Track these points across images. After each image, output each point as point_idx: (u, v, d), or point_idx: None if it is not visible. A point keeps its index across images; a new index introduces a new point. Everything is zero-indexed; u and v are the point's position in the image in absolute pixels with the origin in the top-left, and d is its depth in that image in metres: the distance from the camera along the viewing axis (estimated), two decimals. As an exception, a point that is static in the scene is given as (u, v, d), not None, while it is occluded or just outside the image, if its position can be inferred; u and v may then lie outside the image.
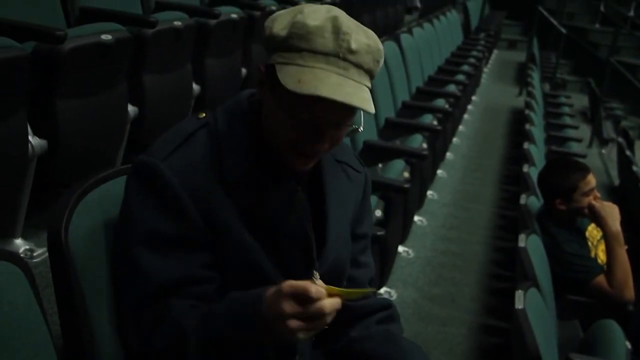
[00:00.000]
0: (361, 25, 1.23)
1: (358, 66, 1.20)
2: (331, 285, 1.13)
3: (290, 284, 1.09)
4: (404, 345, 1.42)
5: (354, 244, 1.43)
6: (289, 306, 1.08)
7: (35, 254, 2.28)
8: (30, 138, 2.26)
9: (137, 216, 1.22)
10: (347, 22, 1.20)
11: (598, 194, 2.80)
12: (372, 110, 1.18)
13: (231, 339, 1.15)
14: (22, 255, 2.22)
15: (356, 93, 1.17)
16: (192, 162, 1.23)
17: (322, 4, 1.28)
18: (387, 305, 1.50)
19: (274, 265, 1.27)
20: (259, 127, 1.28)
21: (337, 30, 1.18)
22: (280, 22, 1.21)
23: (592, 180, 2.78)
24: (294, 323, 1.08)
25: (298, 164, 1.26)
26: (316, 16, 1.19)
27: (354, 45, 1.18)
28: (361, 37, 1.20)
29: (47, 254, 1.22)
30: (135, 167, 1.26)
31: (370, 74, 1.22)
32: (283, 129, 1.22)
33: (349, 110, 1.21)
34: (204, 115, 1.31)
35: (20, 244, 2.31)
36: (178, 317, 1.18)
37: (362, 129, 1.30)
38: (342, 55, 1.18)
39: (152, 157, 1.23)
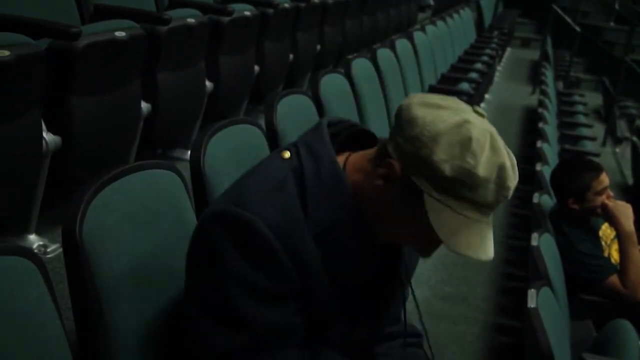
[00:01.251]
0: (509, 157, 1.15)
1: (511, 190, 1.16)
2: None
3: None
4: None
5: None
6: None
7: (49, 250, 2.29)
8: (44, 134, 2.27)
9: (232, 272, 1.14)
10: (510, 169, 1.14)
11: (611, 193, 2.79)
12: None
13: None
14: (36, 250, 2.24)
15: (491, 246, 1.16)
16: (287, 216, 1.16)
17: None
18: (417, 333, 1.49)
19: (344, 321, 1.27)
20: (352, 187, 1.20)
21: (502, 183, 1.12)
22: (444, 152, 1.10)
23: (605, 179, 2.77)
24: None
25: (394, 242, 1.27)
26: (485, 160, 1.10)
27: (509, 195, 1.15)
28: (513, 184, 1.15)
29: (60, 250, 1.23)
30: (225, 217, 1.16)
31: None
32: (401, 231, 1.21)
33: None
34: (289, 155, 1.22)
35: (34, 240, 2.33)
36: None
37: None
38: (495, 207, 1.15)
39: (245, 211, 1.14)
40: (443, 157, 1.09)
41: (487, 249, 1.14)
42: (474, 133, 1.10)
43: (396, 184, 1.15)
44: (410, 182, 1.13)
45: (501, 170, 1.11)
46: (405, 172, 1.14)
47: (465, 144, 1.10)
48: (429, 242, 1.20)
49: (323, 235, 1.18)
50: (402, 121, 1.15)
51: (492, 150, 1.12)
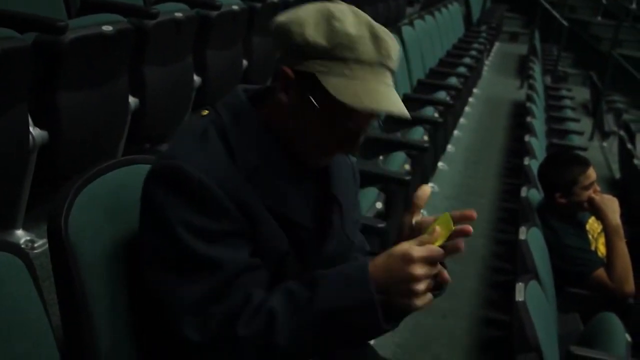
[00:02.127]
0: (378, 24, 1.22)
1: (392, 71, 1.23)
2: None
3: (425, 248, 1.15)
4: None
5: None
6: (420, 269, 1.14)
7: (36, 245, 2.28)
8: (31, 129, 2.26)
9: (176, 219, 1.17)
10: (377, 25, 1.21)
11: (598, 188, 2.80)
12: (408, 115, 1.21)
13: (341, 314, 1.13)
14: (22, 246, 2.22)
15: (399, 101, 1.21)
16: (214, 159, 1.21)
17: None
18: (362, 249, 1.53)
19: (293, 252, 1.28)
20: (264, 119, 1.28)
21: (375, 37, 1.19)
22: (313, 28, 1.19)
23: (592, 174, 2.78)
24: (423, 285, 1.16)
25: (321, 162, 1.30)
26: (351, 22, 1.19)
27: (392, 52, 1.21)
28: (390, 40, 1.21)
29: (47, 245, 1.22)
30: (157, 172, 1.21)
31: (393, 74, 1.25)
32: (316, 134, 1.23)
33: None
34: (207, 112, 1.30)
35: (21, 235, 2.32)
36: (262, 301, 1.16)
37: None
38: (384, 63, 1.20)
39: (174, 160, 1.20)
40: (313, 33, 1.18)
41: (393, 103, 1.19)
42: (334, 7, 1.21)
43: (294, 87, 1.22)
44: (303, 75, 1.20)
45: (370, 26, 1.19)
46: (295, 69, 1.21)
47: (329, 16, 1.19)
48: (346, 132, 1.23)
49: (254, 175, 1.23)
50: (275, 35, 1.25)
51: (355, 14, 1.21)
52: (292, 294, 1.17)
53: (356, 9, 1.23)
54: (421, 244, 1.16)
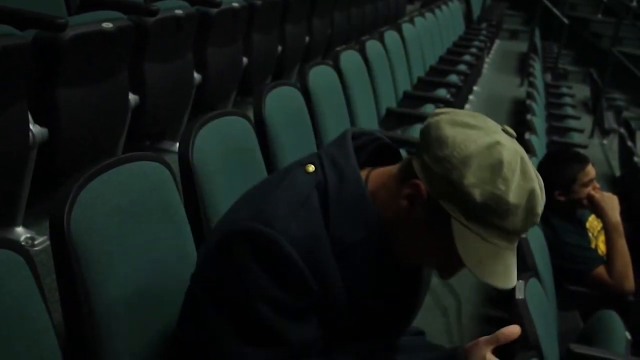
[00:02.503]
0: (541, 188, 1.14)
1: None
2: None
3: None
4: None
5: None
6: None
7: (36, 243, 2.28)
8: (31, 126, 2.26)
9: (255, 287, 1.14)
10: (540, 194, 1.12)
11: (597, 185, 2.80)
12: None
13: None
14: (23, 243, 2.22)
15: (514, 274, 1.15)
16: (311, 233, 1.14)
17: None
18: (420, 332, 1.58)
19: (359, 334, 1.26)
20: (372, 196, 1.19)
21: (531, 209, 1.10)
22: (474, 176, 1.07)
23: (591, 171, 2.78)
24: None
25: (415, 264, 1.27)
26: (516, 187, 1.08)
27: (536, 222, 1.13)
28: (542, 206, 1.14)
29: (48, 242, 1.22)
30: (248, 233, 1.14)
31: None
32: (423, 254, 1.20)
33: None
34: (313, 168, 1.20)
35: (21, 232, 2.32)
36: None
37: None
38: (523, 234, 1.13)
39: (270, 228, 1.13)
40: (473, 181, 1.07)
41: (510, 278, 1.13)
42: (505, 156, 1.08)
43: (422, 206, 1.13)
44: (437, 206, 1.10)
45: (531, 195, 1.09)
46: (432, 195, 1.11)
47: (497, 168, 1.07)
48: (452, 266, 1.18)
49: (343, 253, 1.17)
50: (430, 139, 1.12)
51: (523, 174, 1.09)
52: None
53: (527, 162, 1.12)
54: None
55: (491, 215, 1.08)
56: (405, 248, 1.20)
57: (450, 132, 1.10)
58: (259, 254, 1.13)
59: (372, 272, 1.21)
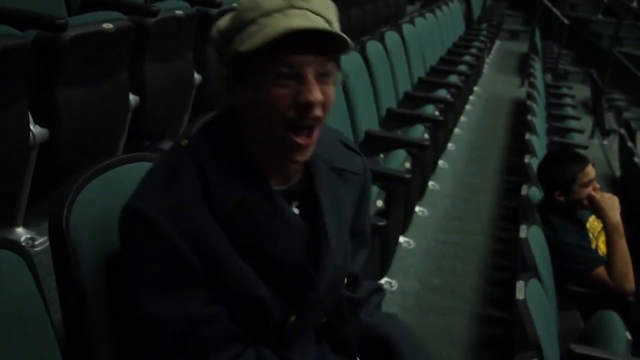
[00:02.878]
0: None
1: (315, 13, 1.17)
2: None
3: None
4: (411, 331, 1.50)
5: (352, 239, 1.41)
6: None
7: (36, 243, 2.28)
8: (31, 127, 2.26)
9: (136, 267, 1.19)
10: None
11: (597, 185, 2.80)
12: (346, 37, 1.16)
13: None
14: (23, 244, 2.22)
15: (324, 24, 1.17)
16: (181, 200, 1.17)
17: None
18: (378, 288, 1.53)
19: (273, 292, 1.24)
20: (241, 142, 1.24)
21: None
22: (224, 19, 1.22)
23: (591, 171, 2.78)
24: None
25: (296, 153, 1.21)
26: None
27: None
28: None
29: (48, 243, 1.22)
30: (124, 213, 1.20)
31: (331, 24, 1.19)
32: (269, 108, 1.17)
33: (326, 53, 1.18)
34: (187, 142, 1.26)
35: (21, 233, 2.32)
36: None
37: (348, 74, 1.30)
38: (297, 5, 1.16)
39: (138, 202, 1.18)
40: (225, 20, 1.22)
41: (314, 23, 1.15)
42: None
43: (232, 80, 1.21)
44: (232, 65, 1.20)
45: None
46: (227, 65, 1.21)
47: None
48: (287, 91, 1.17)
49: (234, 214, 1.19)
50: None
51: None
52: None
53: None
54: None
55: (247, 15, 1.17)
56: (265, 133, 1.20)
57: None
58: (130, 227, 1.19)
59: (270, 221, 1.22)
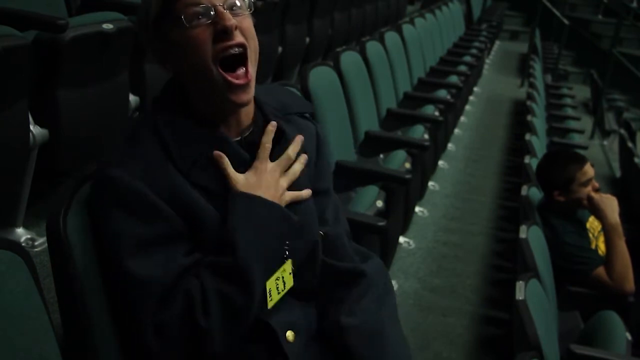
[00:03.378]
0: None
1: None
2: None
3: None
4: (390, 351, 1.40)
5: (314, 200, 1.42)
6: (277, 172, 1.31)
7: (36, 243, 2.28)
8: (31, 127, 2.26)
9: (117, 232, 1.21)
10: None
11: (597, 184, 2.81)
12: None
13: (259, 234, 1.24)
14: (23, 244, 2.23)
15: None
16: (145, 160, 1.24)
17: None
18: (360, 272, 1.44)
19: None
20: (190, 105, 1.32)
21: None
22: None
23: (589, 170, 2.78)
24: (284, 183, 1.31)
25: (237, 95, 1.28)
26: None
27: None
28: None
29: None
30: (94, 185, 1.25)
31: None
32: (195, 50, 1.25)
33: None
34: (142, 115, 1.34)
35: (21, 233, 2.32)
36: (202, 288, 1.21)
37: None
38: None
39: (107, 169, 1.22)
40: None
41: None
42: None
43: (161, 53, 1.32)
44: (153, 37, 1.30)
45: None
46: (151, 43, 1.31)
47: None
48: (207, 29, 1.25)
49: (195, 168, 1.26)
50: None
51: None
52: (219, 266, 1.22)
53: None
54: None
55: None
56: (203, 84, 1.28)
57: None
58: (106, 194, 1.22)
59: (217, 169, 1.29)
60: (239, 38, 1.27)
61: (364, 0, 6.28)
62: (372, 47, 3.71)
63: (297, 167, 1.37)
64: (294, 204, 1.35)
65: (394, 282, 3.03)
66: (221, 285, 1.20)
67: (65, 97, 2.33)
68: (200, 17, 1.24)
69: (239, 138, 1.34)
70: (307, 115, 1.51)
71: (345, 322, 1.36)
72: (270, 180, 1.31)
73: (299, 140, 1.38)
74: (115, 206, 1.21)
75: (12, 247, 1.13)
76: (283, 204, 1.32)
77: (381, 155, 3.15)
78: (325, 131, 2.57)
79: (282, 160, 1.34)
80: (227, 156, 1.29)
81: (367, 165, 2.84)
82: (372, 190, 2.60)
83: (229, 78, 1.27)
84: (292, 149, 1.36)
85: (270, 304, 1.27)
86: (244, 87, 1.29)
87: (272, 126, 1.34)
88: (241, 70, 1.29)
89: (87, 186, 1.28)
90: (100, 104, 2.55)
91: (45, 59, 2.24)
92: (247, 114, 1.36)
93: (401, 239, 3.40)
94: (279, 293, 1.30)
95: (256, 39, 1.33)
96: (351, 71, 3.13)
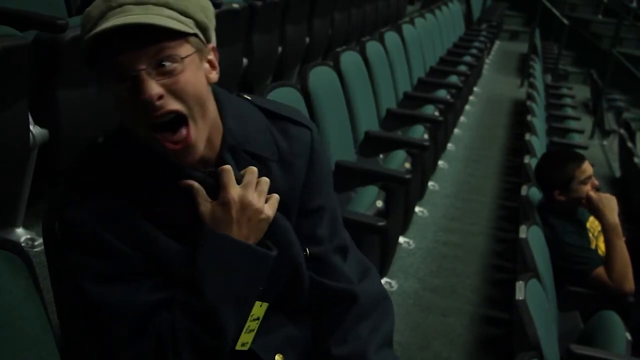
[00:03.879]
0: None
1: (139, 4, 1.10)
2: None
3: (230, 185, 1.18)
4: None
5: (305, 219, 1.34)
6: (236, 197, 1.17)
7: (36, 243, 2.28)
8: (31, 127, 2.26)
9: (77, 264, 1.17)
10: None
11: (596, 181, 2.81)
12: (166, 23, 1.09)
13: (230, 272, 1.17)
14: (23, 244, 2.22)
15: (145, 13, 1.09)
16: (101, 199, 1.17)
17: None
18: (352, 296, 1.38)
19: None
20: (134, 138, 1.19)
21: None
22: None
23: (588, 168, 2.79)
24: (253, 193, 1.18)
25: (175, 154, 1.15)
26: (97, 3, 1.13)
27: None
28: None
29: (46, 244, 1.22)
30: (54, 224, 1.21)
31: (169, 6, 1.12)
32: (126, 113, 1.15)
33: (158, 43, 1.10)
34: (101, 139, 1.26)
35: (21, 234, 2.32)
36: (172, 326, 1.17)
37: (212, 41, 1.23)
38: (114, 5, 1.10)
39: (63, 208, 1.18)
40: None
41: (124, 20, 1.08)
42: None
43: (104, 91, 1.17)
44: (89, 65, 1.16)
45: None
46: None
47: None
48: (127, 91, 1.11)
49: (142, 196, 1.18)
50: None
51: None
52: (185, 303, 1.18)
53: None
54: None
55: (84, 28, 1.13)
56: (137, 134, 1.17)
57: None
58: (69, 237, 1.18)
59: (179, 202, 1.20)
60: (170, 105, 1.11)
61: (364, 0, 6.28)
62: (372, 47, 3.71)
63: (265, 179, 1.23)
64: (272, 226, 1.25)
65: (394, 282, 3.04)
66: (191, 325, 1.17)
67: (65, 97, 2.33)
68: (122, 80, 1.10)
69: (201, 173, 1.22)
70: (302, 121, 1.36)
71: (336, 352, 1.34)
72: (243, 209, 1.18)
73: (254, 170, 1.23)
74: (73, 246, 1.17)
75: (11, 247, 1.13)
76: (265, 226, 1.22)
77: (381, 155, 3.15)
78: (325, 132, 2.58)
79: (248, 176, 1.21)
80: (183, 191, 1.20)
81: (367, 165, 2.84)
82: (372, 190, 2.60)
83: (165, 143, 1.13)
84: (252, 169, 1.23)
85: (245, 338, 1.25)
86: (185, 150, 1.15)
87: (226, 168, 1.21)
88: (182, 133, 1.13)
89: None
90: (100, 104, 2.54)
91: (45, 59, 2.24)
92: (210, 147, 1.22)
93: (401, 239, 3.40)
94: (252, 331, 1.26)
95: (204, 87, 1.16)
96: (351, 71, 3.13)
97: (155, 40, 1.09)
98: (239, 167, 1.23)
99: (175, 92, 1.11)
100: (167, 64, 1.10)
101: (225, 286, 1.18)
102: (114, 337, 1.18)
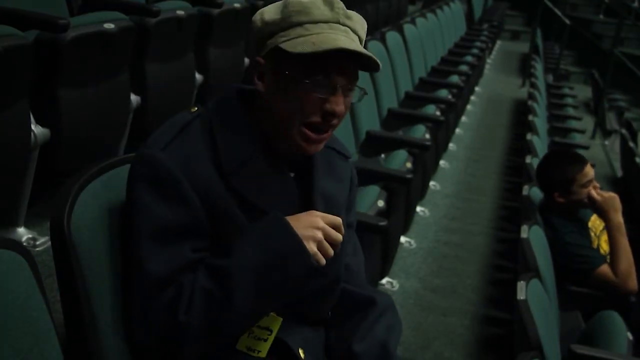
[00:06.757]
0: None
1: (354, 32, 1.28)
2: None
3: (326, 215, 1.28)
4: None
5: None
6: (321, 221, 1.25)
7: (37, 243, 2.28)
8: (32, 127, 2.26)
9: (141, 208, 1.23)
10: None
11: (597, 184, 2.80)
12: (378, 62, 1.26)
13: (268, 262, 1.21)
14: (24, 244, 2.22)
15: (359, 46, 1.26)
16: (190, 151, 1.26)
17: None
18: (371, 300, 1.47)
19: None
20: (252, 117, 1.32)
21: (329, 1, 1.26)
22: (270, 11, 1.28)
23: (589, 171, 2.78)
24: (320, 234, 1.24)
25: (308, 147, 1.30)
26: None
27: (348, 12, 1.28)
28: (341, 3, 1.29)
29: (49, 243, 1.22)
30: (135, 160, 1.27)
31: (362, 42, 1.30)
32: (296, 108, 1.26)
33: (356, 70, 1.29)
34: (196, 109, 1.34)
35: (22, 233, 2.32)
36: (193, 283, 1.21)
37: (367, 92, 1.37)
38: (341, 21, 1.26)
39: (150, 149, 1.26)
40: (270, 13, 1.27)
41: (353, 44, 1.24)
42: None
43: (266, 70, 1.28)
44: (270, 55, 1.27)
45: None
46: (265, 55, 1.28)
47: (282, 1, 1.29)
48: (316, 98, 1.26)
49: (238, 171, 1.28)
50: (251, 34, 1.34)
51: None
52: (216, 267, 1.22)
53: None
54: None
55: (296, 17, 1.25)
56: (283, 126, 1.29)
57: (256, 15, 1.31)
58: (142, 173, 1.25)
59: (269, 181, 1.32)
60: (337, 120, 1.30)
61: (365, 0, 6.27)
62: (374, 46, 3.72)
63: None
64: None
65: (394, 282, 3.04)
66: (210, 286, 1.21)
67: (66, 97, 2.34)
68: (320, 86, 1.25)
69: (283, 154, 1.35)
70: (346, 155, 1.51)
71: (357, 349, 1.40)
72: (309, 219, 1.27)
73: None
74: (148, 184, 1.23)
75: (13, 246, 1.13)
76: (317, 236, 1.27)
77: (382, 155, 3.15)
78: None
79: (336, 218, 1.31)
80: (272, 173, 1.32)
81: (368, 165, 2.84)
82: (373, 190, 2.60)
83: (309, 133, 1.29)
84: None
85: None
86: (317, 142, 1.32)
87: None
88: (325, 136, 1.32)
89: (97, 183, 1.30)
90: (101, 104, 2.55)
91: (46, 58, 2.24)
92: None
93: (402, 239, 3.40)
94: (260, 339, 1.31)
95: (348, 108, 1.36)
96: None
97: (357, 78, 1.31)
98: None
99: (343, 114, 1.31)
100: (351, 90, 1.31)
101: (259, 262, 1.21)
102: (145, 280, 1.21)
